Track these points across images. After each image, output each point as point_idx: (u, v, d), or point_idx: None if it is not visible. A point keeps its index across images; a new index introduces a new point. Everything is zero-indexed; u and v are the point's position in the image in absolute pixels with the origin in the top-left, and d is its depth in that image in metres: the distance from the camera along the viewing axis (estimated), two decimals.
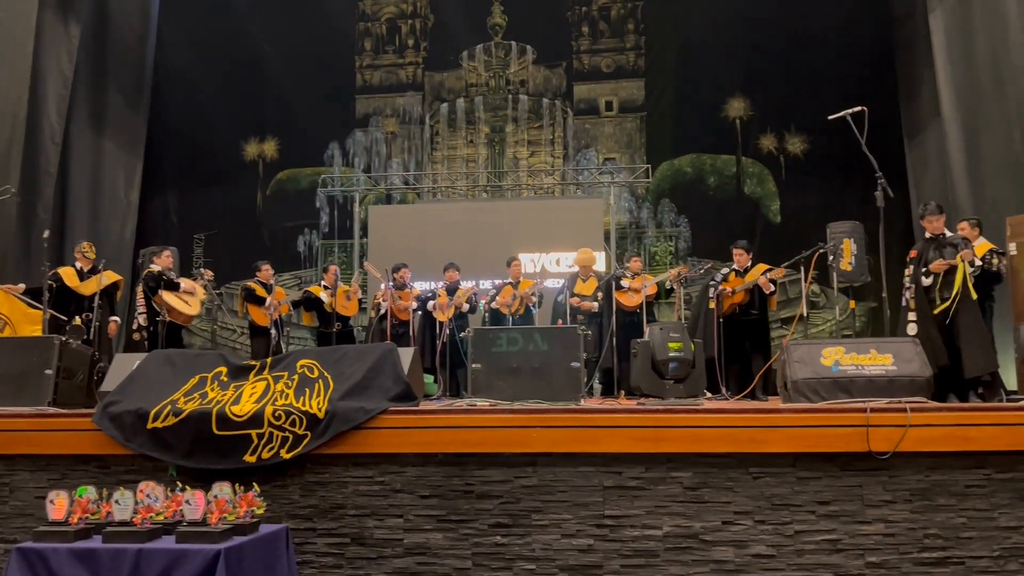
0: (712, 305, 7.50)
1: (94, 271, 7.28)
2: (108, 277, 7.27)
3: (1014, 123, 7.57)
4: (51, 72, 9.54)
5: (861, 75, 10.41)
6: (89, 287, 7.13)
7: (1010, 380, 6.27)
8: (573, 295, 8.12)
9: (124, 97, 11.24)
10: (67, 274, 7.21)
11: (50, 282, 7.05)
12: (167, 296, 7.43)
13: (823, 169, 10.70)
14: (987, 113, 8.06)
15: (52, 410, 4.84)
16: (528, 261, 10.38)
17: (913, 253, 6.11)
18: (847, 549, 3.94)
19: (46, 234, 6.97)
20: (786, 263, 7.67)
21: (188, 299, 7.70)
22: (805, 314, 7.17)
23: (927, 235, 6.03)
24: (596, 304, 8.14)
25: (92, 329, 6.91)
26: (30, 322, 6.78)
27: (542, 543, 4.10)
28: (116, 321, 7.44)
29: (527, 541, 4.11)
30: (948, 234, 6.00)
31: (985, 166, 8.05)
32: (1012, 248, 6.71)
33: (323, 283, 8.66)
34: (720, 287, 7.55)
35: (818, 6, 10.76)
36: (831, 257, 7.51)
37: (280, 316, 8.38)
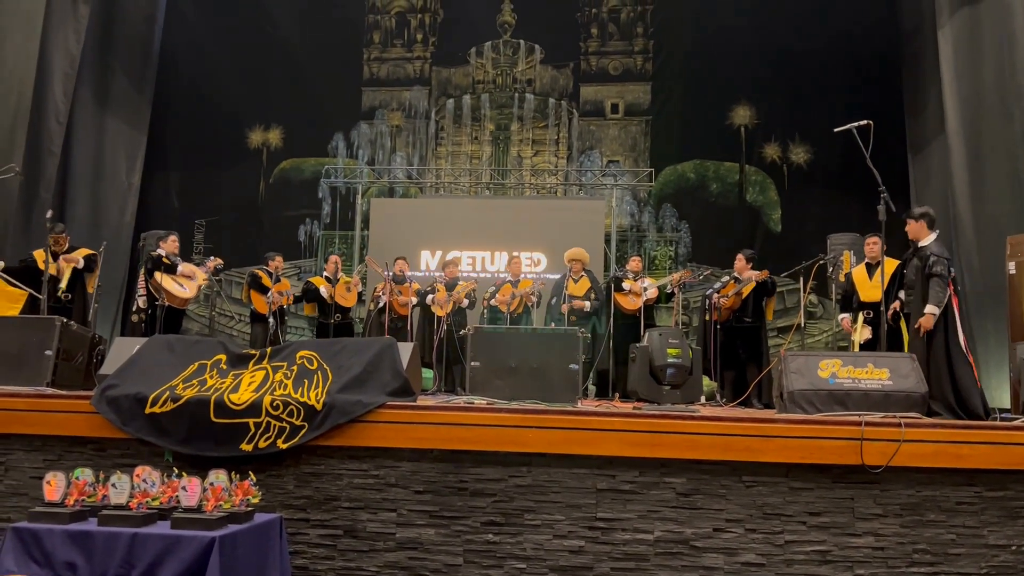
0: (710, 315, 7.56)
1: (69, 250, 7.32)
2: (80, 252, 7.36)
3: (1018, 143, 7.59)
4: (58, 51, 9.49)
5: (867, 88, 10.43)
6: (60, 268, 7.17)
7: (1004, 399, 6.31)
8: (566, 298, 8.13)
9: (130, 79, 11.20)
10: (40, 257, 7.18)
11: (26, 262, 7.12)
12: (162, 278, 7.43)
13: (826, 180, 10.72)
14: (992, 131, 8.07)
15: (50, 391, 4.85)
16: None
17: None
18: (836, 561, 3.97)
19: (49, 214, 7.02)
20: (785, 272, 7.71)
21: (185, 282, 7.72)
22: (802, 324, 7.22)
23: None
24: (587, 304, 8.16)
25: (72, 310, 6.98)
26: (9, 300, 6.81)
27: (533, 543, 4.12)
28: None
29: (519, 540, 4.13)
30: (923, 244, 5.51)
31: (987, 184, 8.07)
32: (1011, 267, 6.75)
33: (324, 273, 8.69)
34: (718, 294, 7.59)
35: (827, 18, 10.77)
36: (830, 268, 7.57)
37: (281, 306, 8.42)
